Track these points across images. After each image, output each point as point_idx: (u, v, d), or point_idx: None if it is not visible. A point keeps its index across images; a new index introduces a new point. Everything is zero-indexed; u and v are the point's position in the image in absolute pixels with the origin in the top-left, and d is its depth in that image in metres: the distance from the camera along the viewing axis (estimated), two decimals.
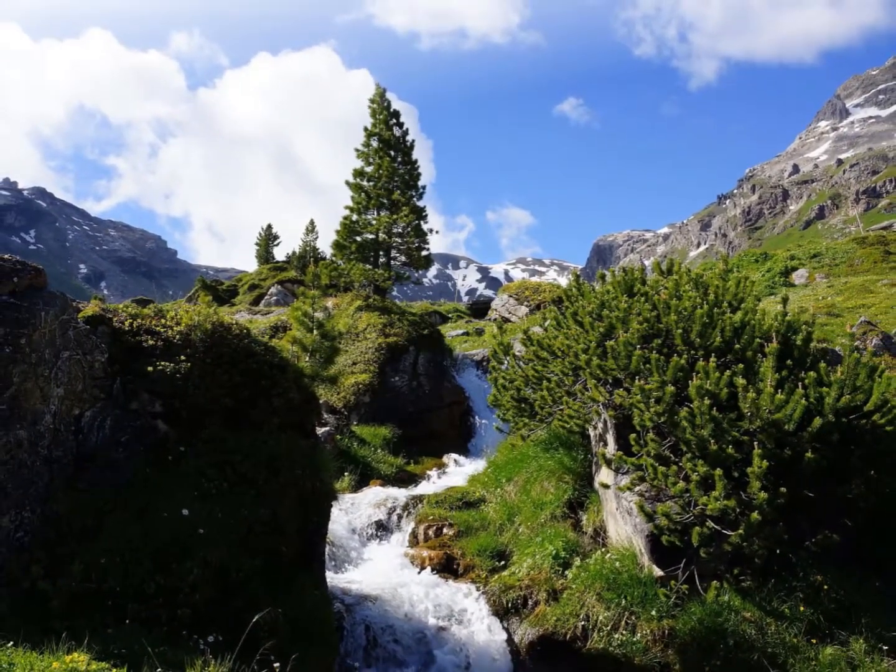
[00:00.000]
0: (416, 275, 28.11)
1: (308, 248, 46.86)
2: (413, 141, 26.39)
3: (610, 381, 8.74)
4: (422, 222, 25.52)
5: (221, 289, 44.01)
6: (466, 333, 28.46)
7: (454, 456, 16.66)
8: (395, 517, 11.25)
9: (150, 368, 6.98)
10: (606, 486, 8.50)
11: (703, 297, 8.79)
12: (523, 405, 10.84)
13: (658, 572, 7.62)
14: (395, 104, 26.53)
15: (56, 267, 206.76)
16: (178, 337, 7.46)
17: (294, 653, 5.66)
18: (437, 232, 26.20)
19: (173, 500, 6.37)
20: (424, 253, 25.95)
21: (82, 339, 6.61)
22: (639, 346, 8.28)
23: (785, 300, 9.37)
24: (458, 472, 14.99)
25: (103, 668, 4.47)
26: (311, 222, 48.20)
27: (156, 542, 5.99)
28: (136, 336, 7.27)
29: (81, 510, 6.04)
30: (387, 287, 25.48)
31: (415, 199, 25.73)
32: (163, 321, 7.67)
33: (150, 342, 7.26)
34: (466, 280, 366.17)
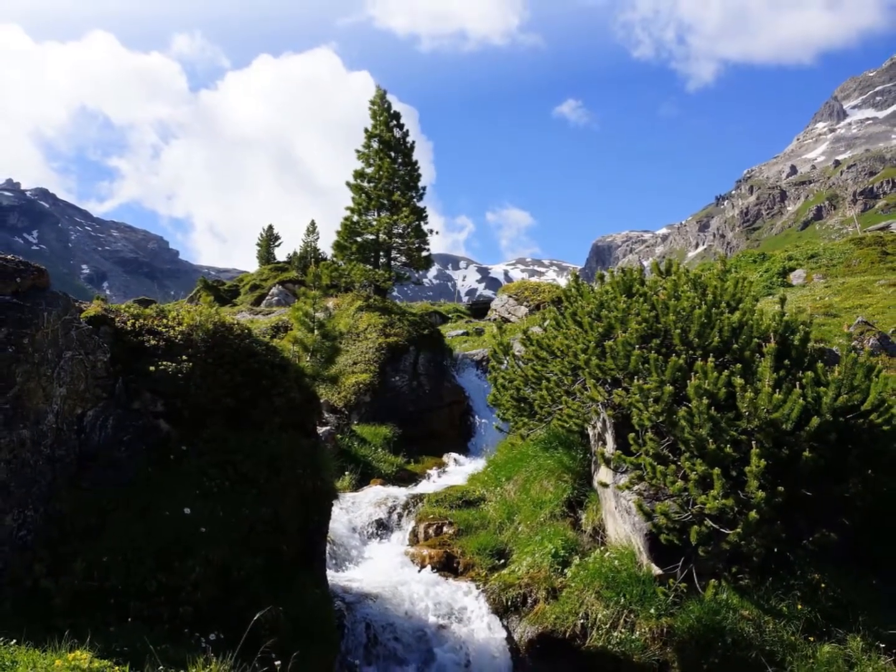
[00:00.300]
0: (417, 275, 28.16)
1: (309, 249, 46.99)
2: (413, 142, 26.45)
3: (609, 380, 8.78)
4: (422, 223, 25.59)
5: (223, 289, 44.06)
6: (466, 333, 28.49)
7: (454, 455, 16.69)
8: (395, 516, 11.29)
9: (152, 368, 7.02)
10: (605, 485, 8.55)
11: (701, 297, 8.83)
12: (523, 405, 10.88)
13: (657, 571, 7.65)
14: (396, 106, 26.62)
15: (59, 267, 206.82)
16: (179, 337, 7.49)
17: (295, 651, 5.70)
18: (437, 232, 26.30)
19: (175, 499, 6.41)
20: (424, 253, 26.02)
21: (85, 339, 6.64)
22: (637, 346, 8.32)
23: (783, 300, 9.40)
24: (458, 471, 15.02)
25: (105, 666, 4.51)
26: (312, 223, 48.38)
27: (158, 541, 6.02)
28: (138, 336, 7.30)
29: (84, 509, 6.07)
30: (387, 287, 25.53)
31: (415, 199, 25.80)
32: (165, 321, 7.70)
33: (152, 342, 7.30)
34: (466, 280, 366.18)
